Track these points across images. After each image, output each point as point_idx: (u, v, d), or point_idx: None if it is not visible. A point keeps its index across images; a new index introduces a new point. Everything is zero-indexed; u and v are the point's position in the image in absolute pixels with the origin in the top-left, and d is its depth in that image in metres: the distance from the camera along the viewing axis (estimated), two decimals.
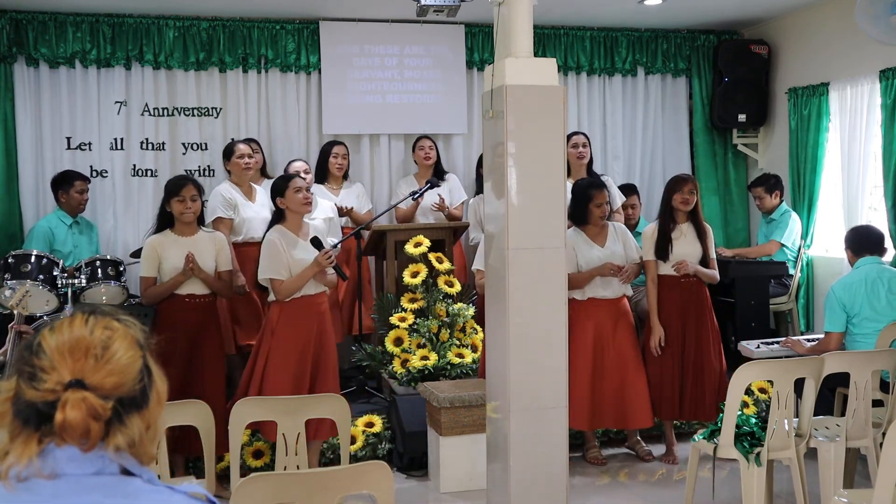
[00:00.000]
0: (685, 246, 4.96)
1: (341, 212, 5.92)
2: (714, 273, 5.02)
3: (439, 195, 6.12)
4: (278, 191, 4.52)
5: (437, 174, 6.34)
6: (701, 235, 4.99)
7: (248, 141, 6.11)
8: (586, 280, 4.88)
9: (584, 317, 4.91)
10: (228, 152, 5.65)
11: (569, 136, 5.96)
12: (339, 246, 5.24)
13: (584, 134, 6.08)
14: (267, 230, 4.59)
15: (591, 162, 6.00)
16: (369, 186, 6.75)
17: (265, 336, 4.48)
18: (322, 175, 6.14)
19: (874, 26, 5.08)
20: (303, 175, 5.62)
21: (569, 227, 5.36)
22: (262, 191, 5.79)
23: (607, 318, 4.93)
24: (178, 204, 4.49)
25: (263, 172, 6.20)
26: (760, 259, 6.37)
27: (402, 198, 6.14)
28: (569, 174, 5.82)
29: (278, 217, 4.55)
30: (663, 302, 4.96)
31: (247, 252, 5.32)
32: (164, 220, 4.59)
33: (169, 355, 4.29)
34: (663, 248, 4.94)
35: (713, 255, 5.05)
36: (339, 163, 6.13)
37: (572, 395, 4.92)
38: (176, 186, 4.54)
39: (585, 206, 4.95)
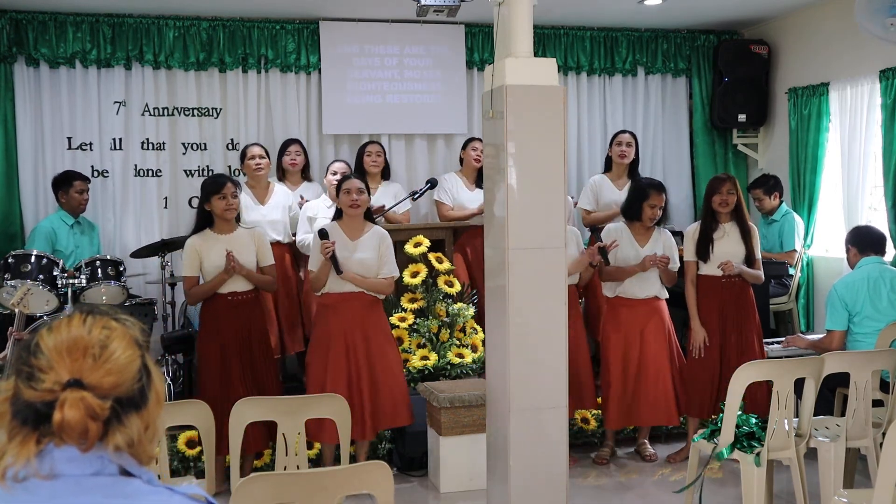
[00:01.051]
0: (728, 246, 4.90)
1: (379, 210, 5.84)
2: (758, 273, 4.95)
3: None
4: (337, 190, 4.72)
5: (482, 177, 6.27)
6: (745, 235, 4.93)
7: (291, 142, 6.17)
8: (628, 274, 4.89)
9: (612, 316, 4.98)
10: (242, 154, 5.84)
11: (615, 135, 6.08)
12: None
13: (630, 133, 6.08)
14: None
15: (636, 162, 6.00)
16: None
17: (312, 330, 4.80)
18: (360, 175, 6.12)
19: (873, 24, 5.07)
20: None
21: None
22: (284, 192, 5.84)
23: (636, 317, 4.94)
24: (220, 201, 4.49)
25: (305, 174, 6.21)
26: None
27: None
28: (609, 170, 6.00)
29: (338, 215, 4.70)
30: (702, 302, 4.93)
31: None
32: (204, 220, 4.58)
33: (221, 355, 4.42)
34: (704, 248, 4.90)
35: (758, 254, 4.97)
36: (373, 160, 6.09)
37: (606, 396, 4.97)
38: (216, 184, 4.55)
39: (640, 203, 4.93)
